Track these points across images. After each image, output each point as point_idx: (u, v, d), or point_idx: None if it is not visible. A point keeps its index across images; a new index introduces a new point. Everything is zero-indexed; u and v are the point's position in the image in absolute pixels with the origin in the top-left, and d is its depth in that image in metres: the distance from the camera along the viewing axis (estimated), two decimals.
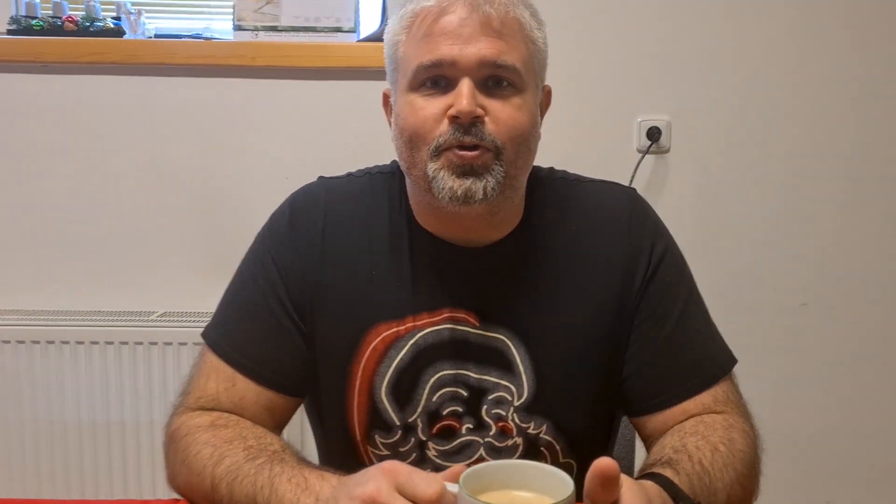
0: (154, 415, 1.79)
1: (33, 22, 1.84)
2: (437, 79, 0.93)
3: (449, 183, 0.92)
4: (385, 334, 0.99)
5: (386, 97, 1.02)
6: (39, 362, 1.80)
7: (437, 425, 1.00)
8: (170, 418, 0.99)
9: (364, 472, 0.76)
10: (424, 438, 1.00)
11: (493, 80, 0.92)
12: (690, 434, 0.93)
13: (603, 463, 0.68)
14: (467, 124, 0.91)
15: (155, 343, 1.80)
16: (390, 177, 1.04)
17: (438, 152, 0.92)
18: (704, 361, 1.00)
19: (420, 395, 0.99)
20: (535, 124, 0.97)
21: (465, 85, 0.91)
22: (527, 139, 0.95)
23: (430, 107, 0.92)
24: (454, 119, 0.91)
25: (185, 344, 1.79)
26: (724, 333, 1.05)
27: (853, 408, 1.98)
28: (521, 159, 0.95)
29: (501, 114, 0.92)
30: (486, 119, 0.91)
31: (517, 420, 0.99)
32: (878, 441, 2.00)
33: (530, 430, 0.99)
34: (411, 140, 0.94)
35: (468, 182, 0.92)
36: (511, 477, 0.71)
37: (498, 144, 0.92)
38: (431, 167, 0.93)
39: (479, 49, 0.91)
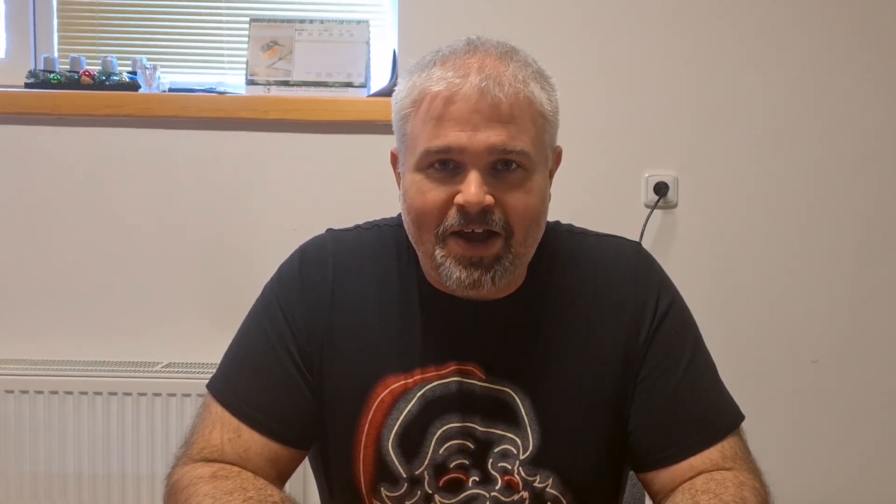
0: (157, 467, 1.77)
1: (51, 76, 1.88)
2: (444, 161, 0.93)
3: (456, 273, 0.93)
4: (393, 387, 0.99)
5: (394, 157, 1.03)
6: (42, 412, 1.79)
7: (444, 478, 0.98)
8: (171, 469, 0.98)
9: None
10: (431, 491, 0.99)
11: (503, 162, 0.93)
12: (702, 492, 0.91)
13: None
14: (476, 213, 0.91)
15: (159, 394, 1.79)
16: (398, 229, 1.04)
17: (445, 237, 0.93)
18: (711, 416, 0.99)
19: (427, 448, 0.98)
20: (544, 200, 0.97)
21: (474, 176, 0.91)
22: (537, 219, 0.96)
23: (437, 191, 0.93)
24: (462, 207, 0.91)
25: (189, 395, 1.79)
26: (733, 390, 1.04)
27: (866, 467, 1.94)
28: (531, 238, 0.96)
29: (511, 199, 0.92)
30: (495, 207, 0.92)
31: (523, 473, 0.98)
32: (893, 501, 1.95)
33: (536, 484, 0.98)
34: (418, 221, 0.95)
35: (476, 273, 0.93)
36: None
37: (508, 229, 0.93)
38: (439, 253, 0.93)
39: (487, 136, 0.91)
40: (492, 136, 0.91)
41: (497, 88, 0.91)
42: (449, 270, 0.93)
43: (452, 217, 0.92)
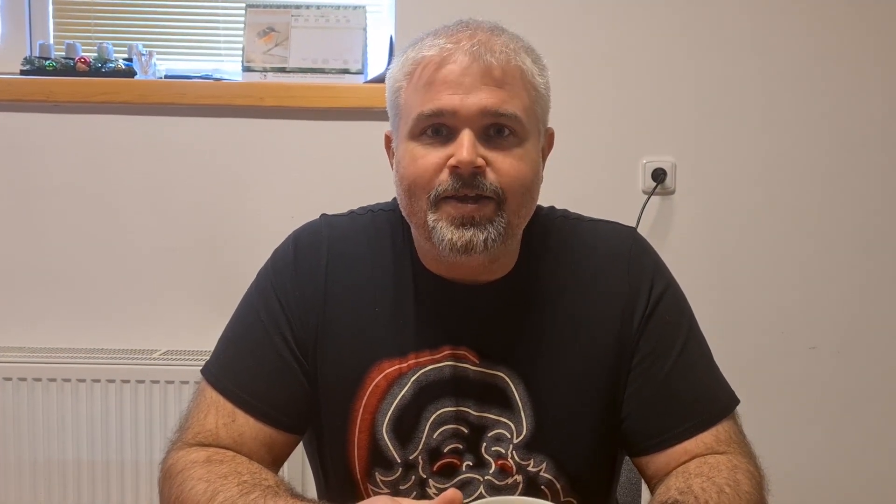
0: (154, 454, 1.77)
1: (46, 63, 1.88)
2: (438, 127, 0.93)
3: (448, 234, 0.92)
4: (388, 371, 0.99)
5: (388, 139, 1.03)
6: (40, 400, 1.79)
7: (438, 463, 0.99)
8: (166, 454, 0.99)
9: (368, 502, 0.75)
10: (425, 476, 0.99)
11: (495, 128, 0.93)
12: (695, 475, 0.92)
13: None
14: (468, 175, 0.91)
15: (157, 381, 1.79)
16: (392, 214, 1.04)
17: (437, 201, 0.92)
18: (705, 401, 0.99)
19: (421, 433, 0.98)
20: (536, 172, 0.97)
21: (466, 135, 0.91)
22: (529, 188, 0.95)
23: (430, 156, 0.93)
24: (454, 169, 0.91)
25: (186, 382, 1.79)
26: (731, 376, 1.04)
27: (862, 453, 1.95)
28: (524, 208, 0.95)
29: (503, 164, 0.92)
30: (488, 169, 0.91)
31: (516, 457, 0.98)
32: (888, 488, 1.96)
33: (530, 468, 0.98)
34: (410, 188, 0.94)
35: (469, 234, 0.92)
36: None
37: (500, 193, 0.92)
38: (431, 217, 0.93)
39: (480, 99, 0.91)
40: (484, 99, 0.91)
41: (489, 54, 0.92)
42: (441, 233, 0.92)
43: (445, 181, 0.92)
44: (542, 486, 0.99)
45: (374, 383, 0.99)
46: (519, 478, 0.98)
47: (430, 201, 0.93)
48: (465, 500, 0.74)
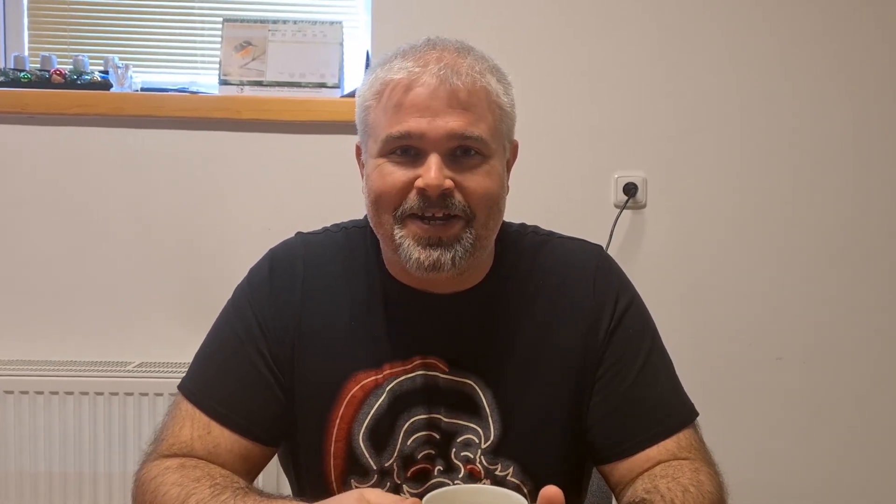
0: (128, 466, 1.77)
1: (21, 74, 1.88)
2: (406, 148, 0.95)
3: (415, 254, 0.95)
4: (364, 382, 1.01)
5: (358, 149, 1.05)
6: (13, 412, 1.78)
7: (412, 469, 1.01)
8: (140, 465, 1.00)
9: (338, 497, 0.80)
10: (399, 482, 1.01)
11: (462, 149, 0.95)
12: (661, 477, 0.95)
13: (549, 491, 0.72)
14: (436, 197, 0.93)
15: (131, 394, 1.79)
16: (364, 230, 1.07)
17: (403, 218, 0.95)
18: (667, 410, 1.02)
19: (396, 440, 1.00)
20: (502, 185, 1.00)
21: (433, 160, 0.93)
22: (496, 201, 0.98)
23: (398, 174, 0.95)
24: (422, 191, 0.94)
25: (161, 394, 1.78)
26: (699, 385, 1.07)
27: (828, 462, 1.98)
28: (492, 221, 0.98)
29: (471, 183, 0.95)
30: (455, 190, 0.94)
31: (484, 462, 1.01)
32: (854, 497, 2.00)
33: (497, 472, 1.01)
34: (377, 202, 0.97)
35: (436, 253, 0.94)
36: (470, 500, 0.76)
37: (468, 211, 0.95)
38: (398, 233, 0.96)
39: (447, 122, 0.94)
40: (451, 122, 0.94)
41: (455, 77, 0.94)
42: (408, 252, 0.95)
43: (412, 200, 0.94)
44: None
45: (350, 394, 1.00)
46: (487, 482, 1.00)
47: (397, 217, 0.96)
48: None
